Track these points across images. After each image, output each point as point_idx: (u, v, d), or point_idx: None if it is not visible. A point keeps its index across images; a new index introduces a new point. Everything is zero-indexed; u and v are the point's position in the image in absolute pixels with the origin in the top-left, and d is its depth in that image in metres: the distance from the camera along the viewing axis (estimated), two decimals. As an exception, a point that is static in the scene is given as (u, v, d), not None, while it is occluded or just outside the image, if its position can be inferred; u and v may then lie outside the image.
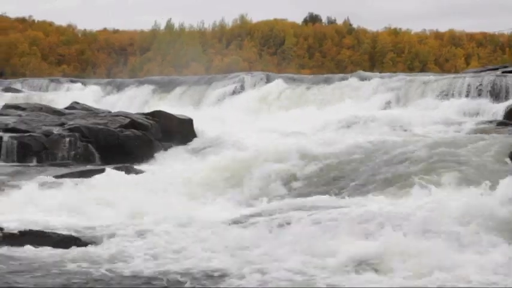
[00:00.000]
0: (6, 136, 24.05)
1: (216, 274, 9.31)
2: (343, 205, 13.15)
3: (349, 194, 14.67)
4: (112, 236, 11.67)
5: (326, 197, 14.52)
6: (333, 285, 8.79)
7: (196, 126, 25.81)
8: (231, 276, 9.20)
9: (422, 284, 8.69)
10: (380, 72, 44.96)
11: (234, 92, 38.81)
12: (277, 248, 10.40)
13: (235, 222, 12.75)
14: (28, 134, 24.25)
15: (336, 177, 16.10)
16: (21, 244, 10.96)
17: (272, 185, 16.41)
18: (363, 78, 36.50)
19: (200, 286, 8.84)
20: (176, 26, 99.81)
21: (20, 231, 11.41)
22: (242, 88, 39.06)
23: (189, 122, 26.04)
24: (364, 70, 59.67)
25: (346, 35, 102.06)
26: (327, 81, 37.31)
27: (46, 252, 10.68)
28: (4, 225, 11.71)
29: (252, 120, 31.55)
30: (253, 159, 17.95)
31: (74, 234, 11.61)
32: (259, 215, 13.10)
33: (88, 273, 9.41)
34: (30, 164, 22.90)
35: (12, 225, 11.93)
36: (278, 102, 36.57)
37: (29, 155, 23.57)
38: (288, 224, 11.76)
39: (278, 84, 38.17)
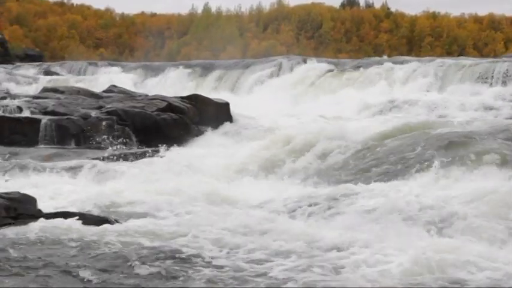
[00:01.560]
0: (45, 119, 24.31)
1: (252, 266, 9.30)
2: (385, 190, 12.89)
3: (389, 178, 14.39)
4: (148, 215, 11.77)
5: (364, 182, 14.24)
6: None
7: (233, 110, 25.82)
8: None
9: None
10: (418, 57, 44.54)
11: (271, 76, 38.73)
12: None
13: (268, 206, 12.71)
14: (66, 116, 24.47)
15: (375, 162, 15.84)
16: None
17: (309, 170, 16.32)
18: (400, 63, 36.21)
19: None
20: (213, 9, 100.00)
21: (56, 213, 11.54)
22: (279, 72, 38.98)
23: (225, 106, 26.05)
24: (402, 54, 59.29)
25: (384, 18, 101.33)
26: (364, 65, 37.07)
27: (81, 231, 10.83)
28: (43, 206, 11.83)
29: (288, 104, 31.50)
30: (290, 143, 17.90)
31: (108, 214, 11.68)
32: (295, 199, 13.03)
33: (119, 251, 9.51)
34: (69, 147, 23.12)
35: (51, 206, 12.04)
36: (315, 86, 36.44)
37: (67, 137, 23.79)
38: (329, 209, 11.70)
39: (315, 68, 38.03)
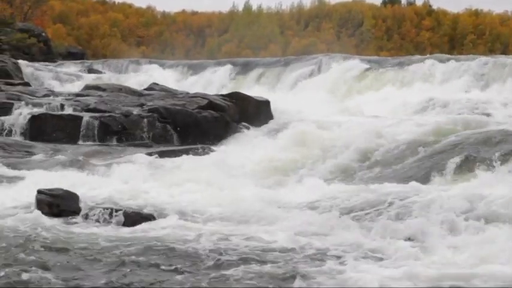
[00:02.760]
0: (87, 116, 24.54)
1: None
2: (426, 190, 12.73)
3: (432, 178, 14.23)
4: (188, 215, 11.80)
5: (408, 181, 14.07)
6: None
7: (273, 108, 25.81)
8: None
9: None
10: (460, 55, 44.11)
11: (311, 74, 38.65)
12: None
13: (309, 205, 12.64)
14: (108, 114, 24.66)
15: (416, 160, 15.73)
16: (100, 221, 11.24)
17: (348, 169, 16.24)
18: (442, 60, 35.88)
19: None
20: (254, 7, 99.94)
21: (97, 208, 11.65)
22: (319, 70, 38.87)
23: (266, 104, 26.05)
24: (444, 52, 58.71)
25: (425, 16, 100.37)
26: (406, 63, 36.81)
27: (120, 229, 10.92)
28: (88, 202, 11.95)
29: (329, 102, 31.39)
30: (329, 141, 17.84)
31: (150, 211, 11.74)
32: (333, 198, 12.94)
33: (160, 249, 9.56)
34: (110, 144, 23.30)
35: (92, 203, 12.15)
36: (356, 84, 36.29)
37: (109, 134, 23.99)
38: (368, 208, 11.60)
39: (356, 66, 37.86)
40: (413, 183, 13.24)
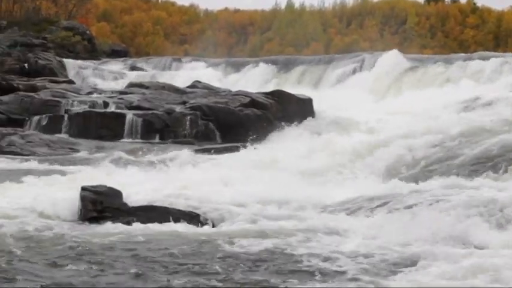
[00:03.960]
0: (130, 113, 24.75)
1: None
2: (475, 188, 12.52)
3: (478, 176, 13.98)
4: (230, 215, 11.79)
5: (453, 179, 13.84)
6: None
7: (316, 106, 25.75)
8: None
9: None
10: (505, 52, 43.56)
11: (354, 72, 38.44)
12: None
13: (351, 205, 12.53)
14: (151, 111, 24.85)
15: (461, 160, 15.46)
16: (145, 220, 11.28)
17: (391, 168, 16.08)
18: (486, 59, 35.44)
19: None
20: (297, 5, 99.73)
21: (141, 206, 11.71)
22: (362, 68, 38.65)
23: (308, 102, 26.03)
24: (488, 50, 58.01)
25: (469, 14, 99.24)
26: (449, 61, 36.43)
27: (168, 228, 10.93)
28: (131, 199, 12.00)
29: (371, 101, 31.24)
30: (373, 140, 17.70)
31: (195, 211, 11.75)
32: (376, 198, 12.79)
33: (206, 250, 9.57)
34: (153, 141, 23.47)
35: (136, 200, 12.20)
36: (398, 82, 36.02)
37: (152, 132, 24.18)
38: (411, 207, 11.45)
39: (399, 64, 37.57)
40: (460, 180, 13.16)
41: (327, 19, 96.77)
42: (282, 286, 7.92)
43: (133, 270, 8.36)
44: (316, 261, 8.85)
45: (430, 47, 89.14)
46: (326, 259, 8.92)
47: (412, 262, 8.68)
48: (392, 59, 38.33)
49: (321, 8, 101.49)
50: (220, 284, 7.93)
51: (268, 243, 9.71)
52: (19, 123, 25.41)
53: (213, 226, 11.26)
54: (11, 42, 43.96)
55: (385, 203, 11.97)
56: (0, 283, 7.82)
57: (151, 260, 8.89)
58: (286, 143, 20.85)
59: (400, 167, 15.98)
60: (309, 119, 25.04)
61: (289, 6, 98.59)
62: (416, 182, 13.82)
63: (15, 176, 15.58)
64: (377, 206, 11.92)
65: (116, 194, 11.86)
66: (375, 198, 12.50)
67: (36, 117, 25.45)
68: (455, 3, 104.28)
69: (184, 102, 25.99)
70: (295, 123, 24.69)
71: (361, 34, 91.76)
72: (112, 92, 29.81)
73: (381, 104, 29.67)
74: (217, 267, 8.52)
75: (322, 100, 26.92)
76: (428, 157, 16.07)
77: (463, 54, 40.32)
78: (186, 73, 41.11)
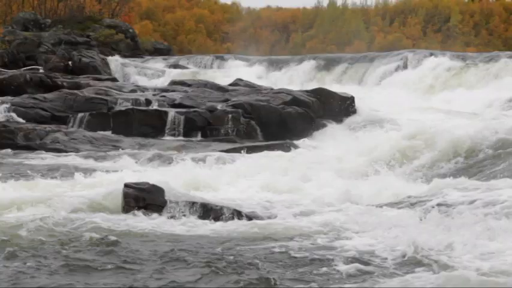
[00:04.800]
0: (172, 111, 24.86)
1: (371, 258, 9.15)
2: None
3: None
4: (273, 211, 11.78)
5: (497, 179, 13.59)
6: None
7: (358, 104, 25.62)
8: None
9: None
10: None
11: (397, 70, 38.17)
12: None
13: (394, 203, 12.42)
14: (193, 109, 24.92)
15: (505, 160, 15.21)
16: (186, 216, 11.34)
17: (433, 167, 15.93)
18: (533, 56, 34.98)
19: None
20: (339, 3, 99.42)
21: (183, 202, 11.74)
22: (405, 66, 38.35)
23: (350, 100, 25.92)
24: (534, 48, 57.15)
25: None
26: (494, 59, 35.98)
27: (208, 225, 10.96)
28: (173, 195, 12.04)
29: (415, 99, 30.98)
30: (415, 139, 17.54)
31: (236, 208, 11.76)
32: (417, 197, 12.67)
33: (249, 247, 9.58)
34: (195, 139, 23.55)
35: (180, 196, 12.23)
36: (442, 80, 35.68)
37: (194, 130, 24.25)
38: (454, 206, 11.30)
39: (443, 62, 37.21)
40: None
41: (370, 17, 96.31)
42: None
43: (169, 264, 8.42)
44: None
45: (474, 45, 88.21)
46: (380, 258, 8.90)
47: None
48: (435, 58, 38.01)
49: (364, 6, 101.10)
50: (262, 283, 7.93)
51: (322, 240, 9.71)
52: (63, 121, 25.67)
53: (257, 221, 11.21)
54: (55, 40, 44.44)
55: (429, 201, 11.85)
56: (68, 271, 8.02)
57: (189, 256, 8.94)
58: (328, 141, 20.79)
59: (445, 165, 15.82)
60: (351, 117, 24.94)
61: (332, 4, 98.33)
62: (461, 181, 13.60)
63: (61, 172, 15.81)
64: (426, 205, 11.77)
65: (158, 190, 11.91)
66: (423, 197, 12.37)
67: (79, 115, 25.67)
68: (500, 1, 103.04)
69: (226, 100, 26.04)
70: (337, 121, 24.63)
71: (403, 32, 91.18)
72: (154, 89, 29.97)
73: (424, 102, 29.39)
74: (259, 264, 8.51)
75: (364, 98, 26.77)
76: (473, 157, 15.88)
77: (508, 52, 39.78)
78: (228, 71, 41.19)
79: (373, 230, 10.29)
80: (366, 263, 8.63)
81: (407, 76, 36.73)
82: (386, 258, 8.85)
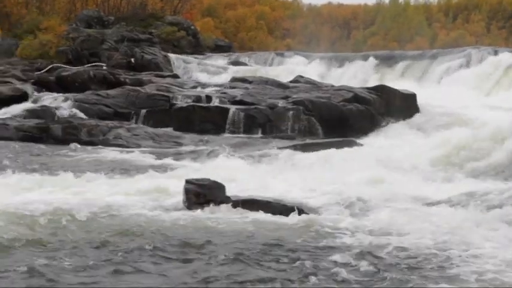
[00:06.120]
0: (233, 108, 24.92)
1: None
2: None
3: None
4: (330, 208, 11.74)
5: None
6: None
7: (420, 101, 25.34)
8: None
9: None
10: None
11: (459, 67, 37.60)
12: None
13: (458, 202, 12.22)
14: (254, 106, 24.96)
15: None
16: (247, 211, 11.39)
17: (500, 166, 15.63)
18: None
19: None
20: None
21: (243, 200, 11.78)
22: (468, 63, 37.76)
23: (412, 97, 25.65)
24: None
25: None
26: (561, 56, 35.21)
27: (267, 219, 10.98)
28: (234, 192, 12.10)
29: (478, 96, 30.51)
30: (478, 137, 17.25)
31: (293, 204, 11.73)
32: (483, 195, 12.44)
33: (306, 241, 9.58)
34: (255, 136, 23.57)
35: (239, 193, 12.28)
36: (506, 78, 35.05)
37: (254, 126, 24.28)
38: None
39: (507, 59, 36.54)
40: None
41: (432, 13, 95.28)
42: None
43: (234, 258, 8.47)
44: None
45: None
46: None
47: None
48: (500, 55, 37.34)
49: (426, 2, 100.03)
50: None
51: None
52: (125, 117, 25.98)
53: (317, 218, 11.17)
54: (118, 37, 44.95)
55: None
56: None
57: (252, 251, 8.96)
58: (390, 139, 20.59)
59: (500, 166, 15.50)
60: (413, 115, 24.68)
61: (394, 0, 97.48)
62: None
63: (125, 168, 16.02)
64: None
65: (219, 187, 11.98)
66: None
67: (141, 111, 25.95)
68: None
69: (286, 97, 26.01)
70: (399, 118, 24.40)
71: (467, 29, 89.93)
72: (215, 86, 30.11)
73: (489, 100, 28.90)
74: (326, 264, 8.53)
75: (427, 96, 26.44)
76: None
77: None
78: (289, 68, 41.15)
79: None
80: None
81: (471, 73, 36.15)
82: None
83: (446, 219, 10.70)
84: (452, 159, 16.27)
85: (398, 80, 36.10)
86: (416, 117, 24.16)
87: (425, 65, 39.53)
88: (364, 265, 8.46)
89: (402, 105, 25.33)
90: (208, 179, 12.19)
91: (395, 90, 26.10)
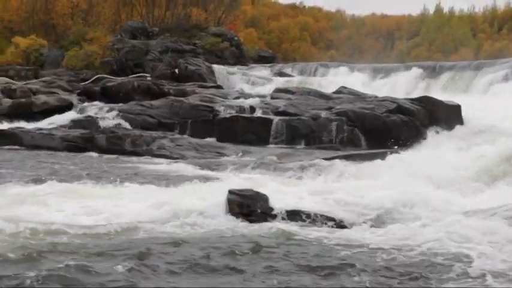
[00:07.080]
0: (276, 119, 24.97)
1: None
2: None
3: None
4: (370, 220, 11.69)
5: None
6: None
7: (464, 113, 25.11)
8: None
9: None
10: None
11: (505, 78, 37.21)
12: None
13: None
14: (297, 117, 24.97)
15: None
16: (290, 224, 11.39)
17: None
18: None
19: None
20: (445, 10, 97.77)
21: (286, 211, 11.79)
22: (514, 74, 37.33)
23: (456, 109, 25.42)
24: None
25: None
26: None
27: (310, 233, 10.96)
28: (277, 203, 12.11)
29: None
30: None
31: (332, 216, 11.71)
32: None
33: (341, 253, 9.56)
34: (298, 146, 23.58)
35: (282, 204, 12.27)
36: (553, 89, 34.55)
37: (297, 137, 24.30)
38: None
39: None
40: None
41: (477, 24, 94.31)
42: None
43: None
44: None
45: None
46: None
47: None
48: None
49: (471, 13, 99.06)
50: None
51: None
52: (169, 127, 26.20)
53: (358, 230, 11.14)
54: (162, 48, 45.40)
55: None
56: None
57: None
58: (433, 151, 20.38)
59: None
60: (458, 126, 24.45)
61: (438, 10, 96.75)
62: None
63: (171, 178, 16.14)
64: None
65: (262, 198, 12.00)
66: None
67: (185, 122, 26.14)
68: None
69: (330, 108, 25.98)
70: (444, 129, 24.19)
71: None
72: (259, 97, 30.19)
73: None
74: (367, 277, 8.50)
75: (472, 107, 26.18)
76: None
77: None
78: (332, 78, 41.10)
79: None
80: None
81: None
82: None
83: (488, 232, 10.60)
84: (495, 172, 16.06)
85: (442, 91, 35.84)
86: (461, 129, 23.92)
87: (470, 75, 39.19)
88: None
89: (446, 117, 25.11)
90: (252, 190, 12.23)
91: (440, 101, 25.90)
